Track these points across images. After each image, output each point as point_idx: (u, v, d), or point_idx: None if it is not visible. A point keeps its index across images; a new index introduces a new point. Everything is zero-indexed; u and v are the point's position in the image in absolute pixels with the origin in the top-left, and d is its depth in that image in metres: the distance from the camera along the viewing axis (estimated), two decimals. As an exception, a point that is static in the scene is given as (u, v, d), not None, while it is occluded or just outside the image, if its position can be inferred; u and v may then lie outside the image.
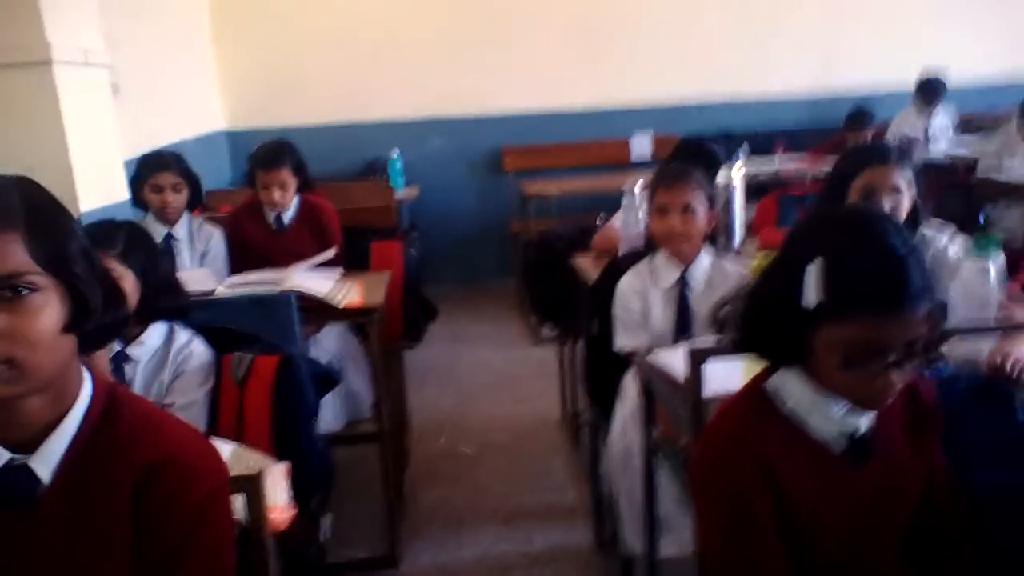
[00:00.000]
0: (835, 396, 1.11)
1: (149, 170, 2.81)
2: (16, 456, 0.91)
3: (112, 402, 0.97)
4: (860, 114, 4.87)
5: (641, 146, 5.53)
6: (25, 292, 0.85)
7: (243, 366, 1.79)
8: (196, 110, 4.97)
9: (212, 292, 2.50)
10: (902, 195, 2.03)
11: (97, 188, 2.00)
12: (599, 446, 2.47)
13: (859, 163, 2.08)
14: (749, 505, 1.09)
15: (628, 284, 2.17)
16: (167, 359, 1.75)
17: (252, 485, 1.15)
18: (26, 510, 0.91)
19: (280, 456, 1.75)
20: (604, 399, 2.34)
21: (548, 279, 3.09)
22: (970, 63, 5.54)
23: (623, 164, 5.41)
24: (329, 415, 2.94)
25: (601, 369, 2.35)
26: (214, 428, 1.77)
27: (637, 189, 2.50)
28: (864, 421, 1.13)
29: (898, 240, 1.05)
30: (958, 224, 4.47)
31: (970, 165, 4.44)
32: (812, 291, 1.05)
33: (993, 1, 5.79)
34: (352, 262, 2.99)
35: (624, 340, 2.15)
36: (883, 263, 1.03)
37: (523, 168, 5.52)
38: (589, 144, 5.57)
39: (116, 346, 1.72)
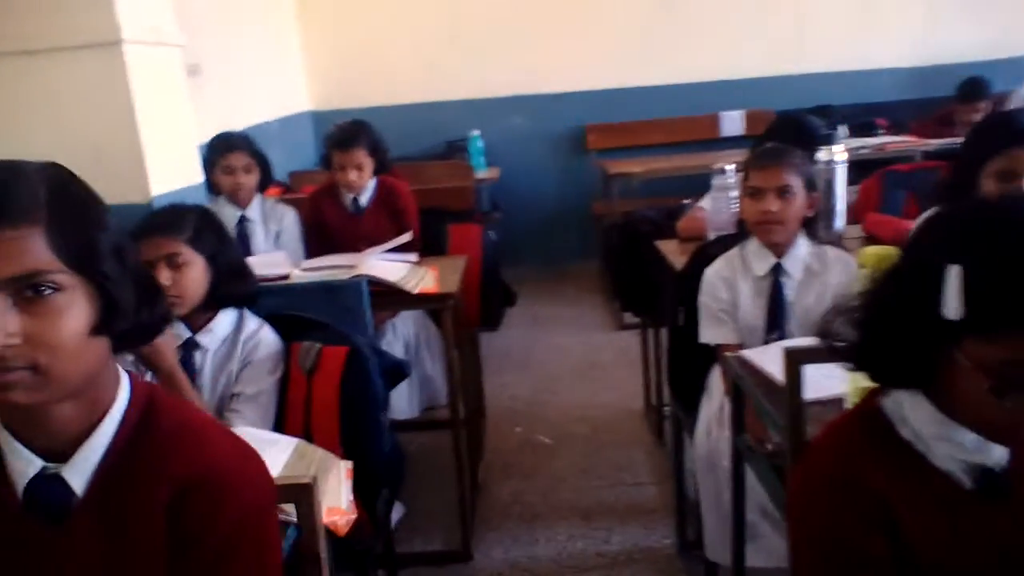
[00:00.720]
0: (964, 425, 0.94)
1: (219, 152, 2.80)
2: (49, 465, 0.85)
3: (150, 409, 0.89)
4: (974, 85, 4.49)
5: (732, 122, 5.28)
6: (47, 292, 0.77)
7: (311, 356, 1.73)
8: (281, 91, 4.99)
9: (286, 276, 2.46)
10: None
11: (169, 171, 1.96)
12: (682, 444, 2.33)
13: (995, 143, 1.85)
14: (860, 553, 0.94)
15: (716, 272, 2.02)
16: (236, 347, 1.71)
17: (305, 495, 1.06)
18: (58, 522, 0.85)
19: (347, 450, 1.70)
20: (688, 394, 2.20)
21: (632, 265, 2.94)
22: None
23: (714, 141, 5.18)
24: (404, 402, 2.90)
25: (686, 362, 2.20)
26: (282, 419, 1.73)
27: (728, 169, 2.33)
28: (999, 452, 0.95)
29: None
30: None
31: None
32: (954, 300, 0.87)
33: None
34: (430, 245, 2.92)
35: (711, 333, 2.00)
36: None
37: (607, 147, 5.35)
38: (676, 120, 5.35)
39: (185, 333, 1.68)
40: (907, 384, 0.98)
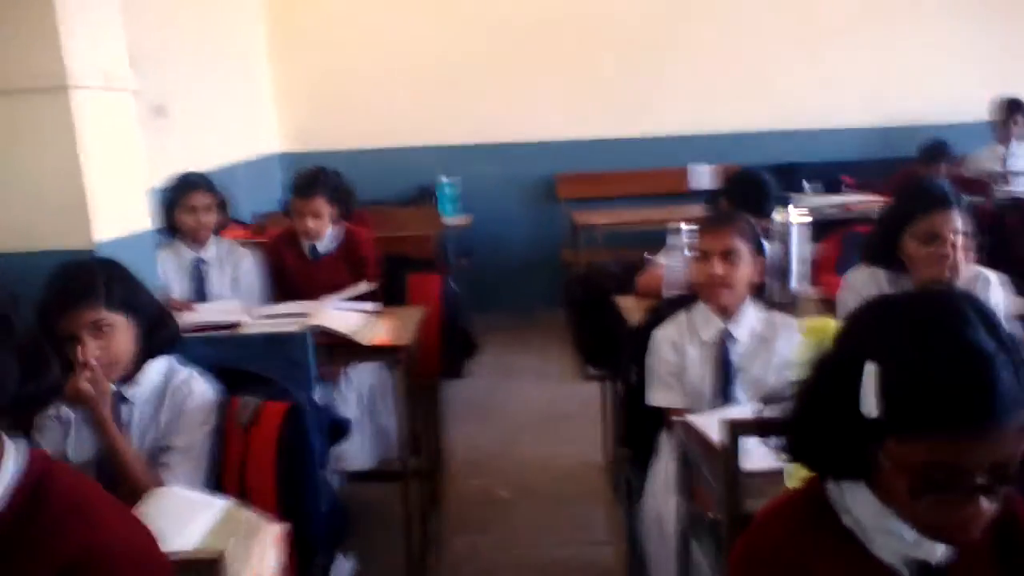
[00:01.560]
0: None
1: (182, 191, 2.78)
2: None
3: (42, 484, 0.85)
4: (935, 147, 4.58)
5: (701, 176, 5.33)
6: None
7: (248, 411, 1.68)
8: (250, 133, 4.98)
9: (236, 324, 2.42)
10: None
11: (115, 217, 1.93)
12: (634, 504, 2.29)
13: (917, 206, 1.93)
14: None
15: (664, 335, 2.00)
16: (164, 398, 1.66)
17: (211, 571, 1.02)
18: None
19: (284, 508, 1.64)
20: (641, 453, 2.17)
21: (592, 318, 2.92)
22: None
23: (683, 195, 5.21)
24: (360, 452, 2.84)
25: (638, 421, 2.17)
26: (219, 475, 1.67)
27: (684, 228, 2.33)
28: (940, 549, 0.92)
29: (983, 334, 0.83)
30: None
31: (1058, 203, 4.12)
32: (871, 400, 0.85)
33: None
34: (391, 294, 2.90)
35: (657, 396, 1.98)
36: (960, 366, 0.81)
37: (577, 196, 5.38)
38: (646, 173, 5.39)
39: (112, 387, 1.63)
40: (841, 476, 0.96)
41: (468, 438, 3.72)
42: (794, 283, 2.38)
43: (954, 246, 1.92)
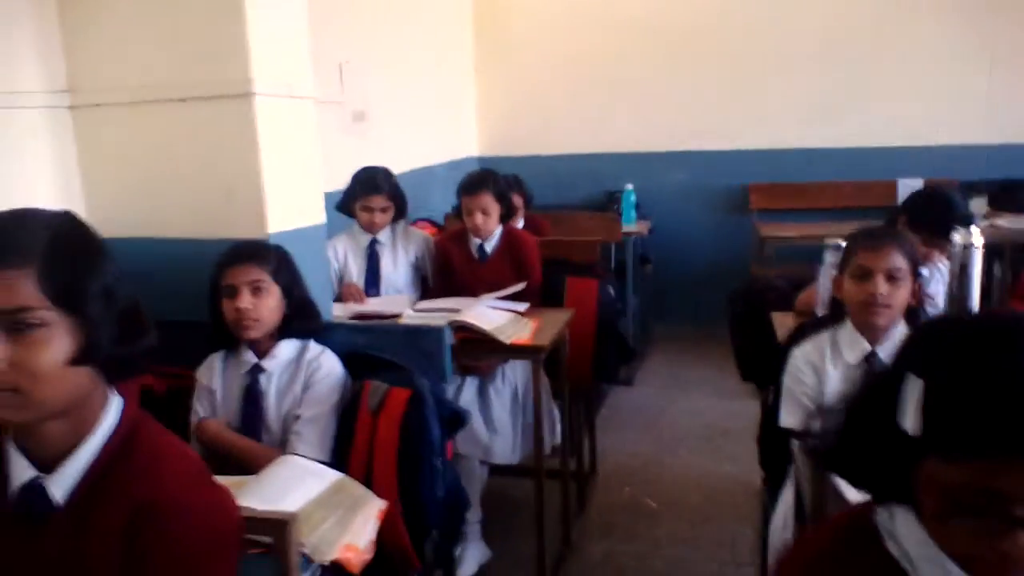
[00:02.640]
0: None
1: (362, 191, 3.02)
2: (39, 475, 0.97)
3: (134, 433, 1.00)
4: None
5: (912, 191, 4.91)
6: (32, 326, 0.90)
7: (377, 396, 1.82)
8: (450, 137, 5.27)
9: (398, 315, 2.60)
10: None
11: (290, 212, 2.15)
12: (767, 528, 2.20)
13: (848, 249, 1.90)
14: None
15: (803, 355, 1.92)
16: (299, 371, 1.85)
17: (280, 530, 1.13)
18: (37, 526, 0.97)
19: (402, 490, 1.77)
20: (774, 476, 2.09)
21: (752, 334, 2.83)
22: None
23: (892, 208, 4.83)
24: (508, 447, 2.94)
25: (773, 443, 2.09)
26: (347, 455, 1.82)
27: (843, 245, 2.20)
28: None
29: None
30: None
31: None
32: (911, 417, 0.81)
33: None
34: (552, 296, 2.99)
35: (790, 417, 1.89)
36: (1008, 394, 0.76)
37: (771, 207, 5.16)
38: (849, 184, 5.06)
39: (252, 359, 1.84)
40: (884, 497, 0.91)
41: (626, 444, 3.72)
42: (971, 307, 2.17)
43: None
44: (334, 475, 1.58)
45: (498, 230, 3.06)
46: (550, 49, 5.53)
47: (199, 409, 1.87)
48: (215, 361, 1.91)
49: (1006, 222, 4.23)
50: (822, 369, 1.88)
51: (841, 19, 5.05)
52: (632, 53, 5.39)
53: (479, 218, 2.99)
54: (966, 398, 0.78)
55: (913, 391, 0.81)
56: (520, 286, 2.84)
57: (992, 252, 3.79)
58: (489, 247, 3.07)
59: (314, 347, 1.88)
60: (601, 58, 5.44)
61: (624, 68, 5.41)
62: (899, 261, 1.83)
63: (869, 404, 0.91)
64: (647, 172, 5.32)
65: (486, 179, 2.99)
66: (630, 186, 4.95)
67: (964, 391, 0.78)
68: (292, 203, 2.19)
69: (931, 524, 0.84)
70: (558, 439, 2.90)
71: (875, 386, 0.91)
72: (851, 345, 1.87)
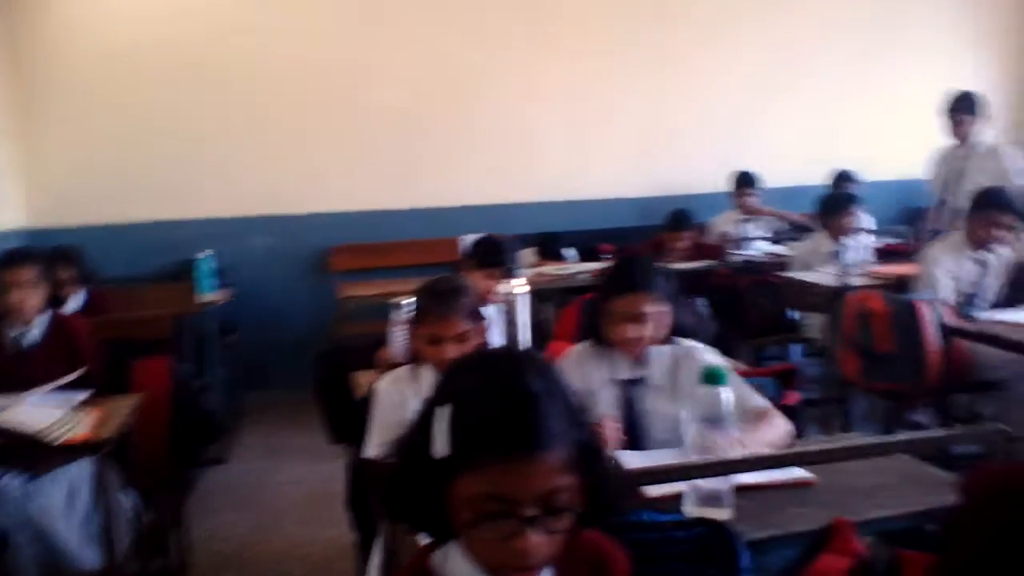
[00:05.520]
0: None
1: None
2: None
3: None
4: (678, 217, 4.97)
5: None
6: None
7: None
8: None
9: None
10: (648, 323, 1.99)
11: None
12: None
13: (617, 287, 2.05)
14: None
15: (386, 384, 2.06)
16: None
17: None
18: None
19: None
20: (368, 535, 2.12)
21: (336, 396, 2.85)
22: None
23: (455, 263, 5.30)
24: (88, 552, 2.55)
25: (361, 502, 2.12)
26: None
27: (404, 304, 2.35)
28: None
29: (534, 378, 0.94)
30: (771, 324, 4.50)
31: (782, 266, 4.57)
32: (441, 441, 0.92)
33: (811, 104, 6.11)
34: (115, 382, 2.69)
35: (372, 449, 1.97)
36: (507, 402, 0.91)
37: (351, 268, 5.33)
38: (416, 243, 5.46)
39: None
40: (437, 533, 0.99)
41: (223, 528, 3.49)
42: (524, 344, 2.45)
43: (636, 329, 1.99)
44: None
45: (43, 317, 2.69)
46: (116, 100, 5.12)
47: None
48: None
49: (552, 268, 4.89)
50: (406, 394, 2.00)
51: (415, 92, 5.48)
52: (211, 108, 5.23)
53: (15, 295, 2.59)
54: (473, 411, 0.92)
55: (442, 419, 0.93)
56: (73, 375, 2.52)
57: (539, 295, 4.34)
58: (31, 338, 2.68)
59: None
60: (173, 113, 5.18)
61: (203, 126, 5.22)
62: (461, 325, 2.02)
63: (410, 444, 0.99)
64: (230, 238, 5.17)
65: (28, 253, 2.62)
66: (209, 252, 4.73)
67: (472, 406, 0.92)
68: None
69: (465, 539, 0.94)
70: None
71: (414, 427, 1.00)
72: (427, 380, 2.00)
